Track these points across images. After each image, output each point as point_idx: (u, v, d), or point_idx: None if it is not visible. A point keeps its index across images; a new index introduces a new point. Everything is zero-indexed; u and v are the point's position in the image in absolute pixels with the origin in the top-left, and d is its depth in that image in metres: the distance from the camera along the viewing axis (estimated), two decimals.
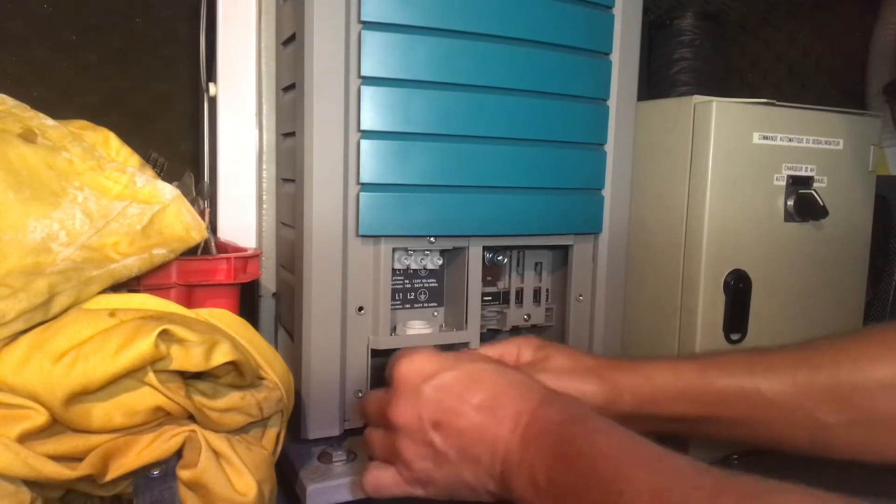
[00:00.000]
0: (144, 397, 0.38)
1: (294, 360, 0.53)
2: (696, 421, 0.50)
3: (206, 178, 0.65)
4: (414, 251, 0.56)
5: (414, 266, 0.57)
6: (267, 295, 0.64)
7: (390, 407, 0.44)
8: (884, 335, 0.47)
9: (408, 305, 0.58)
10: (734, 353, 0.52)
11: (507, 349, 0.53)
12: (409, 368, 0.44)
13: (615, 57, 0.59)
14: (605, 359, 0.54)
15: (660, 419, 0.51)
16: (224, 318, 0.45)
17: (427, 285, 0.58)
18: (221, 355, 0.39)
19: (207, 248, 0.51)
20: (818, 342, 0.50)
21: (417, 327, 0.56)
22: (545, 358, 0.52)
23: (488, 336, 0.62)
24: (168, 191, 0.48)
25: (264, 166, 0.63)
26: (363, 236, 0.52)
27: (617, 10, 0.59)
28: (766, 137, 0.62)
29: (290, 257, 0.56)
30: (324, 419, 0.52)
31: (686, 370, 0.50)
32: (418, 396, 0.43)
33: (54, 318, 0.39)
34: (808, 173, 0.65)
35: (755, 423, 0.48)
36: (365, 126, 0.50)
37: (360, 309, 0.53)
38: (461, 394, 0.42)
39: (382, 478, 0.46)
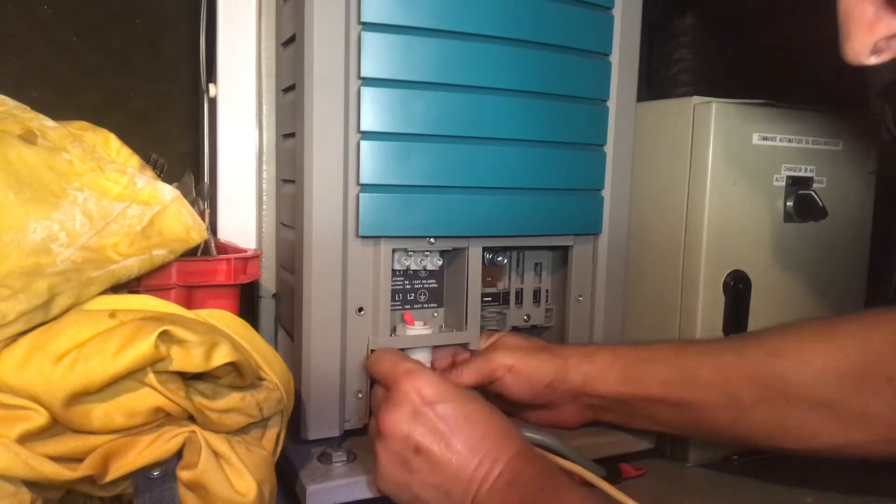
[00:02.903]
0: (144, 398, 0.38)
1: (294, 360, 0.53)
2: (634, 401, 0.54)
3: (206, 179, 0.65)
4: (414, 252, 0.56)
5: (414, 267, 0.57)
6: (267, 295, 0.64)
7: (382, 412, 0.47)
8: (804, 326, 0.50)
9: (408, 306, 0.58)
10: (672, 341, 0.57)
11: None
12: (411, 386, 0.46)
13: (615, 57, 0.59)
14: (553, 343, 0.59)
15: (602, 397, 0.55)
16: (224, 318, 0.45)
17: (427, 286, 0.58)
18: (221, 356, 0.39)
19: (207, 249, 0.51)
20: (748, 333, 0.54)
21: (417, 328, 0.56)
22: (498, 339, 0.58)
23: None
24: (168, 192, 0.48)
25: (264, 167, 0.63)
26: (363, 237, 0.52)
27: (617, 11, 0.59)
28: (765, 138, 0.62)
29: (290, 258, 0.56)
30: (324, 420, 0.52)
31: (625, 353, 0.55)
32: (413, 416, 0.45)
33: (54, 318, 0.39)
34: (808, 174, 0.65)
35: (684, 405, 0.52)
36: (365, 127, 0.50)
37: (360, 309, 0.53)
38: (452, 429, 0.45)
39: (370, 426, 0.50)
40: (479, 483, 0.43)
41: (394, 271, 0.55)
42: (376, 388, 0.52)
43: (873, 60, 0.34)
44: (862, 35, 0.34)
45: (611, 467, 0.56)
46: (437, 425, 0.45)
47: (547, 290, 0.64)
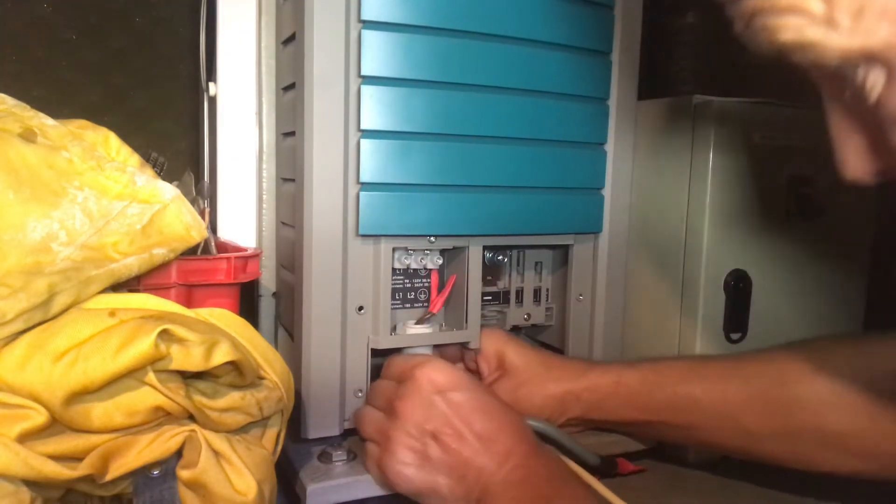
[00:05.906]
0: (144, 397, 0.38)
1: (294, 359, 0.53)
2: (639, 423, 0.55)
3: (206, 178, 0.65)
4: (414, 251, 0.56)
5: (414, 266, 0.57)
6: (267, 295, 0.64)
7: (400, 398, 0.47)
8: (811, 353, 0.49)
9: (408, 305, 0.58)
10: (675, 361, 0.56)
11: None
12: (425, 374, 0.47)
13: (615, 56, 0.59)
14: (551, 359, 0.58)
15: (606, 421, 0.56)
16: (224, 317, 0.45)
17: (427, 285, 0.58)
18: (221, 355, 0.39)
19: (207, 248, 0.51)
20: (754, 354, 0.53)
21: (417, 327, 0.56)
22: (500, 358, 0.58)
23: None
24: (168, 190, 0.48)
25: (264, 166, 0.63)
26: (363, 236, 0.52)
27: (617, 10, 0.59)
28: (766, 137, 0.62)
29: (290, 257, 0.56)
30: (324, 419, 0.52)
31: (628, 378, 0.54)
32: (430, 404, 0.46)
33: (54, 317, 0.39)
34: (809, 173, 0.65)
35: (691, 428, 0.52)
36: (365, 125, 0.50)
37: (360, 308, 0.53)
38: (467, 417, 0.45)
39: (366, 418, 0.50)
40: (492, 473, 0.43)
41: (394, 270, 0.55)
42: (378, 382, 0.52)
43: (876, 180, 0.32)
44: (857, 164, 0.32)
45: (608, 460, 0.56)
46: (449, 413, 0.45)
47: (547, 289, 0.64)
